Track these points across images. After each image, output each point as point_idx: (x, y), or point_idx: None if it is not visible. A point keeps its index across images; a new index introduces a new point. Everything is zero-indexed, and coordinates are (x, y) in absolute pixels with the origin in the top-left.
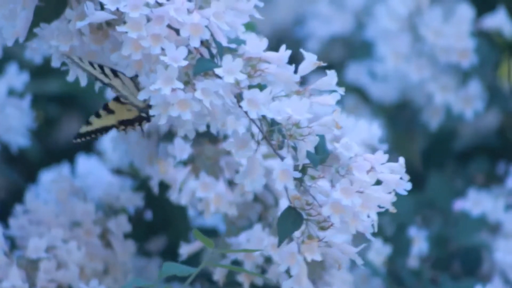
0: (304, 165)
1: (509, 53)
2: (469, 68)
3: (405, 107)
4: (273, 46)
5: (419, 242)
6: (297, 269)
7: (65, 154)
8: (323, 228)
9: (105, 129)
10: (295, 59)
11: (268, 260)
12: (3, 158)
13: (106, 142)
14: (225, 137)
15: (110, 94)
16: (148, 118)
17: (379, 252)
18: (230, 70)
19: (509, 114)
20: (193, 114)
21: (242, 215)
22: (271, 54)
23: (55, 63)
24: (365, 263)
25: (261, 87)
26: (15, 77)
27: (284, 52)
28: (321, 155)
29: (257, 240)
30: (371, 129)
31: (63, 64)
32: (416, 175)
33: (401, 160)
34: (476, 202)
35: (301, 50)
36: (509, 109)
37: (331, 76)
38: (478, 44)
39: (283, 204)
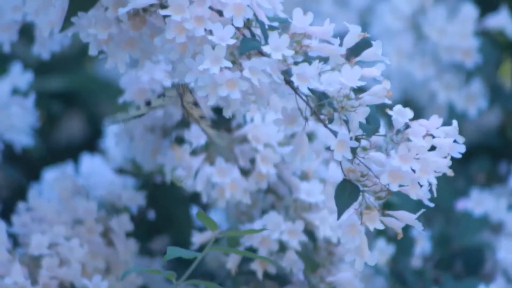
0: (357, 137)
1: (511, 53)
2: (473, 67)
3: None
4: None
5: (422, 242)
6: (358, 240)
7: (67, 152)
8: (380, 198)
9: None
10: None
11: (281, 249)
12: (6, 157)
13: (109, 140)
14: (239, 125)
15: (110, 94)
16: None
17: (382, 251)
18: (277, 47)
19: (510, 113)
20: (241, 93)
21: (253, 205)
22: (315, 29)
23: (93, 52)
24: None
25: (308, 61)
26: (19, 76)
27: (329, 26)
28: (373, 125)
29: (274, 225)
30: None
31: (101, 52)
32: None
33: (455, 123)
34: (478, 202)
35: (345, 22)
36: (511, 108)
37: (377, 46)
38: (481, 43)
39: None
